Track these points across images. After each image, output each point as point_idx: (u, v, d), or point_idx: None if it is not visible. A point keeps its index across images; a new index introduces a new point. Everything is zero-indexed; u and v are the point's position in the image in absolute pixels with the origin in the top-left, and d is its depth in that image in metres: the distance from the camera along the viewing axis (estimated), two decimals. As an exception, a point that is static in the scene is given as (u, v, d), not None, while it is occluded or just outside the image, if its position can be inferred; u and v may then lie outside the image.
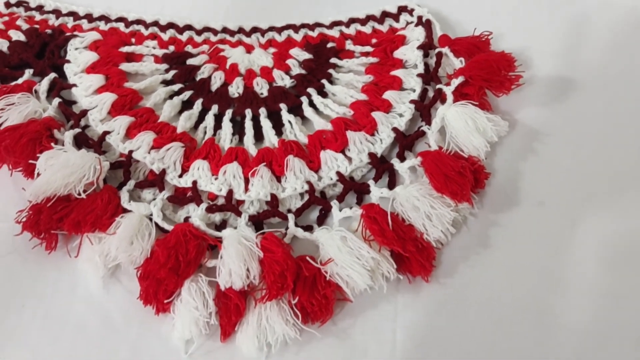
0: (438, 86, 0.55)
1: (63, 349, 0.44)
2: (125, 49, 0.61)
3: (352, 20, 0.64)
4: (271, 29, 0.64)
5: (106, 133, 0.52)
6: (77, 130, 0.52)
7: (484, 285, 0.47)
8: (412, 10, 0.63)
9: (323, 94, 0.57)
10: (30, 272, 0.47)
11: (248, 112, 0.55)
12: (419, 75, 0.57)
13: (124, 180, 0.50)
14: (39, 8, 0.65)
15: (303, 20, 0.64)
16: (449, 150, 0.50)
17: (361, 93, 0.56)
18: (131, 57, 0.61)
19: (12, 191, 0.50)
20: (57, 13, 0.65)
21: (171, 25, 0.64)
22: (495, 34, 0.58)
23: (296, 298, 0.43)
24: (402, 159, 0.52)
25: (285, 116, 0.55)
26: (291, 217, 0.48)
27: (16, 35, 0.61)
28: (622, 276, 0.47)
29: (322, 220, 0.50)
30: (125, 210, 0.47)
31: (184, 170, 0.51)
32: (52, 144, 0.49)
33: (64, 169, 0.47)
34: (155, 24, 0.64)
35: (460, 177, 0.47)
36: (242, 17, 0.65)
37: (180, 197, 0.50)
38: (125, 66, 0.59)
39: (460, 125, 0.50)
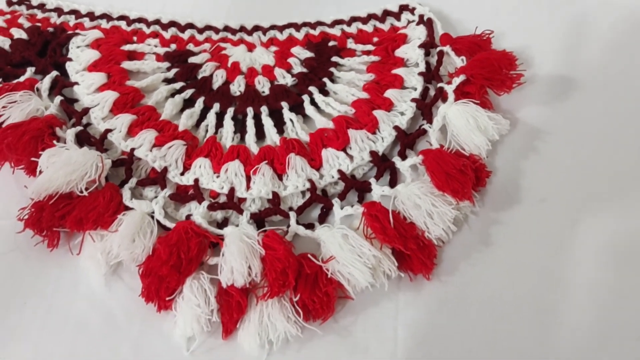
0: (439, 85, 0.56)
1: (65, 346, 0.45)
2: (127, 47, 0.61)
3: (354, 19, 0.64)
4: (273, 27, 0.64)
5: (108, 131, 0.53)
6: (79, 128, 0.52)
7: (485, 283, 0.47)
8: (414, 9, 0.63)
9: (324, 92, 0.57)
10: (32, 269, 0.47)
11: (250, 110, 0.55)
12: (420, 73, 0.57)
13: (125, 178, 0.50)
14: (41, 6, 0.66)
15: (304, 19, 0.64)
16: (450, 148, 0.50)
17: (362, 91, 0.56)
18: (133, 56, 0.61)
19: (14, 189, 0.51)
20: (59, 11, 0.65)
21: (173, 23, 0.64)
22: (496, 33, 0.58)
23: (298, 295, 0.43)
24: (403, 157, 0.52)
25: (287, 114, 0.55)
26: (293, 215, 0.48)
27: (18, 34, 0.61)
28: (623, 274, 0.47)
29: (323, 218, 0.50)
30: (127, 208, 0.48)
31: (186, 168, 0.51)
32: (54, 142, 0.49)
33: (66, 166, 0.47)
34: (157, 22, 0.64)
35: (461, 175, 0.47)
36: (244, 15, 0.65)
37: (182, 195, 0.50)
38: (127, 64, 0.59)
39: (461, 124, 0.51)
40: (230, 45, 0.63)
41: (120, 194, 0.48)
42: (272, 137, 0.53)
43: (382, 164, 0.51)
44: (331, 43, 0.62)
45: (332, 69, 0.59)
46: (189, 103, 0.57)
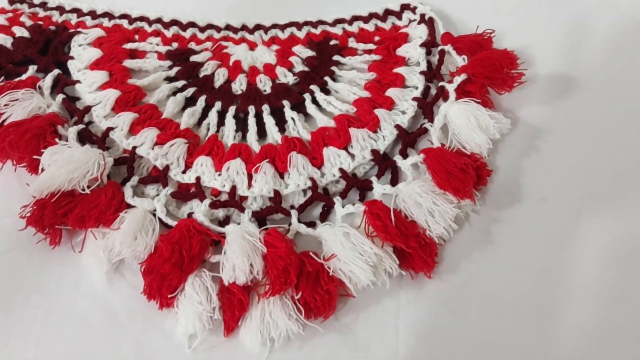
0: (440, 84, 0.56)
1: (67, 344, 0.45)
2: (129, 45, 0.61)
3: (355, 18, 0.64)
4: (274, 26, 0.64)
5: (110, 129, 0.53)
6: (81, 126, 0.53)
7: (486, 282, 0.47)
8: (415, 8, 0.63)
9: (326, 91, 0.58)
10: (34, 267, 0.48)
11: (251, 109, 0.55)
12: (421, 72, 0.57)
13: (127, 176, 0.51)
14: (43, 5, 0.66)
15: (306, 18, 0.64)
16: (451, 147, 0.50)
17: (364, 90, 0.57)
18: (134, 54, 0.61)
19: (16, 186, 0.51)
20: (60, 10, 0.65)
21: (174, 22, 0.64)
22: (497, 32, 0.58)
23: (299, 293, 0.43)
24: (404, 155, 0.52)
25: (288, 113, 0.55)
26: (294, 213, 0.48)
27: (20, 32, 0.61)
28: (624, 274, 0.47)
29: (324, 216, 0.50)
30: (129, 206, 0.48)
31: (188, 166, 0.51)
32: (56, 140, 0.50)
33: (68, 164, 0.47)
34: (159, 21, 0.64)
35: (462, 174, 0.47)
36: (245, 14, 0.65)
37: (184, 193, 0.50)
38: (128, 63, 0.59)
39: (462, 123, 0.51)
40: (231, 44, 0.63)
41: (122, 192, 0.48)
42: (274, 135, 0.53)
43: (384, 163, 0.52)
44: (333, 42, 0.62)
45: (334, 68, 0.59)
46: (190, 101, 0.57)
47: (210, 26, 0.64)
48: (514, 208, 0.50)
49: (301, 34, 0.63)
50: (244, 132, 0.54)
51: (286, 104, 0.56)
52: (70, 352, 0.44)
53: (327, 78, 0.58)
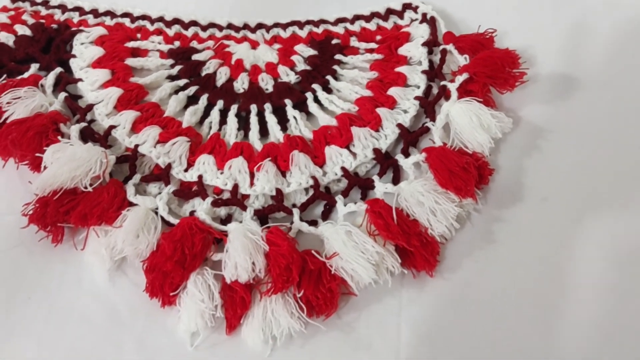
0: (442, 83, 0.56)
1: (69, 342, 0.45)
2: (131, 44, 0.61)
3: (357, 17, 0.64)
4: (276, 25, 0.64)
5: (112, 127, 0.53)
6: (83, 124, 0.53)
7: (488, 281, 0.47)
8: (417, 7, 0.63)
9: (328, 90, 0.58)
10: (37, 264, 0.48)
11: (253, 108, 0.56)
12: (423, 72, 0.57)
13: (129, 174, 0.51)
14: (45, 3, 0.66)
15: (308, 17, 0.64)
16: (453, 146, 0.50)
17: (366, 89, 0.57)
18: (137, 52, 0.61)
19: (19, 184, 0.51)
20: (62, 8, 0.65)
21: (176, 20, 0.64)
22: (499, 32, 0.59)
23: (301, 291, 0.43)
24: (406, 154, 0.52)
25: (290, 112, 0.55)
26: (296, 212, 0.48)
27: (22, 30, 0.61)
28: (625, 273, 0.47)
29: (326, 215, 0.50)
30: (131, 204, 0.48)
31: (190, 164, 0.51)
32: (59, 138, 0.50)
33: (71, 162, 0.47)
34: (161, 19, 0.64)
35: (464, 173, 0.47)
36: (247, 13, 0.65)
37: (186, 191, 0.50)
38: (130, 61, 0.59)
39: (464, 122, 0.51)
40: (233, 43, 0.63)
41: (125, 189, 0.48)
42: (276, 134, 0.53)
43: (385, 162, 0.52)
44: (334, 41, 0.62)
45: (336, 67, 0.59)
46: (192, 100, 0.57)
47: (212, 25, 0.64)
48: (515, 207, 0.50)
49: (303, 33, 0.63)
50: (246, 130, 0.54)
51: (288, 102, 0.56)
52: (72, 349, 0.44)
53: (329, 77, 0.58)
